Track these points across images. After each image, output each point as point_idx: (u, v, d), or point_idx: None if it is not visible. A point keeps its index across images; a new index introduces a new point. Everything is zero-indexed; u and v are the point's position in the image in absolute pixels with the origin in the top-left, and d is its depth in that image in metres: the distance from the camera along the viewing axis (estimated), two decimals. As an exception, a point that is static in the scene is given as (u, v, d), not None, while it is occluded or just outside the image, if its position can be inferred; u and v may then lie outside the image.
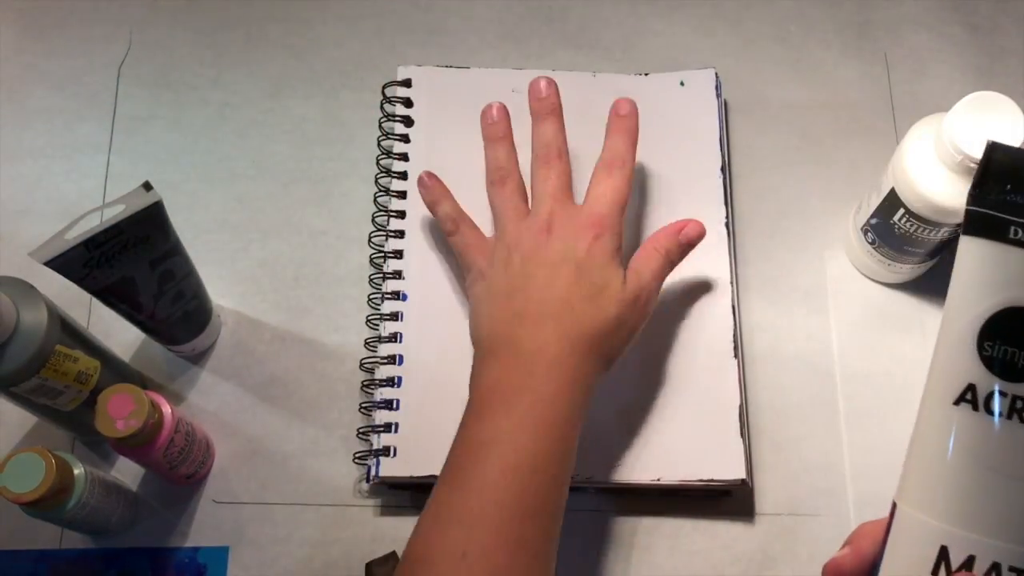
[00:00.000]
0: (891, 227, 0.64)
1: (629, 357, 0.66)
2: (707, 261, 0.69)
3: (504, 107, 0.65)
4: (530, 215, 0.61)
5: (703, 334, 0.67)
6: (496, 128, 0.65)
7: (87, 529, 0.61)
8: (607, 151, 0.63)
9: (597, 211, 0.60)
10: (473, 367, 0.58)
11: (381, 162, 0.72)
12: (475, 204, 0.70)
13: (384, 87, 0.74)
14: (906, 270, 0.68)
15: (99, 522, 0.59)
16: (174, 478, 0.62)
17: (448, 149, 0.72)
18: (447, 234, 0.64)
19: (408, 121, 0.73)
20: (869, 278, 0.71)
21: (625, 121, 0.64)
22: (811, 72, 0.77)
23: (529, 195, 0.63)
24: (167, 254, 0.59)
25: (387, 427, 0.64)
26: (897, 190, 0.62)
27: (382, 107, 0.74)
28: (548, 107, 0.64)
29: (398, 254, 0.69)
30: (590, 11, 0.79)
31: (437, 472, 0.63)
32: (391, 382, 0.65)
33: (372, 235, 0.70)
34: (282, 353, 0.68)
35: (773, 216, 0.73)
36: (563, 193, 0.61)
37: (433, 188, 0.65)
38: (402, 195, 0.70)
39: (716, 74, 0.74)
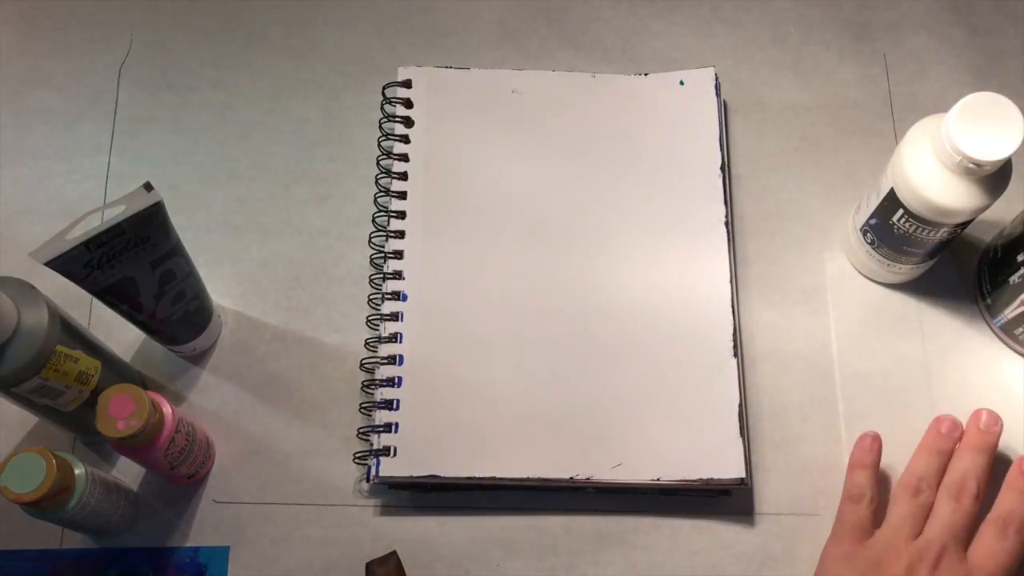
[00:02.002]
0: (890, 227, 0.64)
1: (629, 357, 0.67)
2: (707, 261, 0.69)
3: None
4: (921, 537, 0.58)
5: (703, 334, 0.67)
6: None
7: (88, 529, 0.61)
8: (1004, 508, 0.59)
9: (990, 571, 0.57)
10: None
11: (381, 163, 0.72)
12: (475, 205, 0.70)
13: (384, 88, 0.74)
14: (905, 270, 0.68)
15: (100, 522, 0.59)
16: (175, 478, 0.62)
17: (448, 149, 0.72)
18: (846, 495, 0.61)
19: (408, 122, 0.73)
20: (868, 278, 0.71)
21: None
22: (810, 73, 0.77)
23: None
24: (168, 254, 0.59)
25: (387, 427, 0.64)
26: (896, 191, 0.62)
27: (382, 108, 0.74)
28: (984, 443, 0.61)
29: (398, 254, 0.69)
30: (590, 12, 0.79)
31: (437, 472, 0.63)
32: (391, 382, 0.65)
33: (372, 235, 0.70)
34: (282, 353, 0.68)
35: (773, 216, 0.73)
36: (963, 534, 0.58)
37: (871, 451, 0.63)
38: (402, 195, 0.70)
39: (715, 73, 0.74)
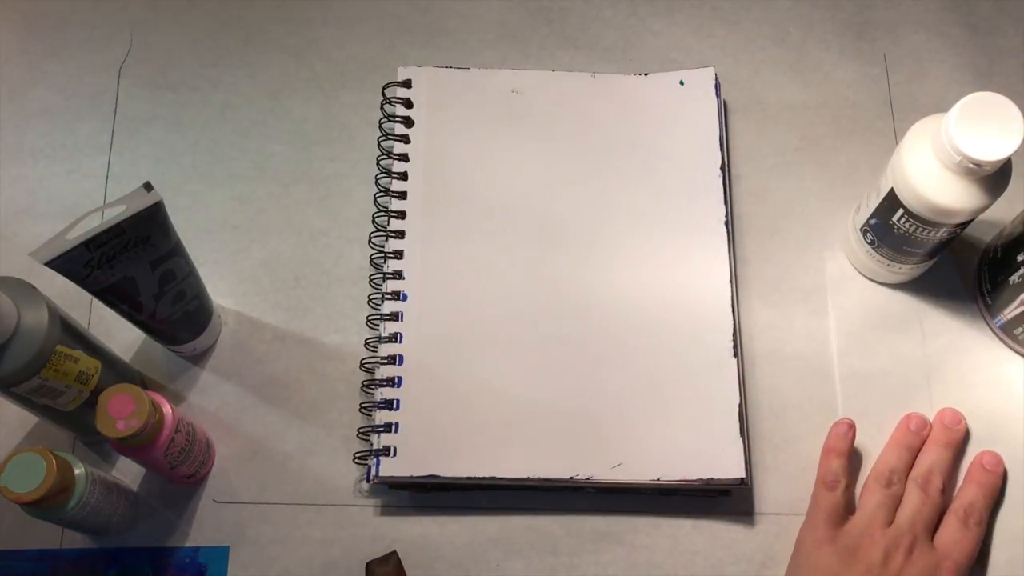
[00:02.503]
0: (890, 227, 0.64)
1: (629, 357, 0.67)
2: (707, 261, 0.69)
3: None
4: (893, 525, 0.61)
5: (703, 334, 0.67)
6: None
7: (87, 529, 0.61)
8: (966, 499, 0.63)
9: (955, 559, 0.60)
10: None
11: (381, 162, 0.72)
12: (475, 205, 0.70)
13: (384, 88, 0.74)
14: (905, 270, 0.68)
15: (99, 522, 0.59)
16: (175, 478, 0.62)
17: (448, 149, 0.72)
18: (821, 482, 0.63)
19: (408, 122, 0.73)
20: (868, 278, 0.71)
21: (990, 477, 0.64)
22: (810, 73, 0.77)
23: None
24: (168, 254, 0.59)
25: (387, 427, 0.64)
26: (896, 191, 0.62)
27: (382, 108, 0.74)
28: (949, 439, 0.65)
29: (398, 254, 0.69)
30: (590, 11, 0.79)
31: (437, 472, 0.63)
32: (391, 382, 0.65)
33: (372, 235, 0.70)
34: (282, 353, 0.68)
35: (773, 216, 0.73)
36: (931, 524, 0.62)
37: (845, 439, 0.65)
38: (402, 195, 0.71)
39: (715, 73, 0.74)
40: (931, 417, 0.66)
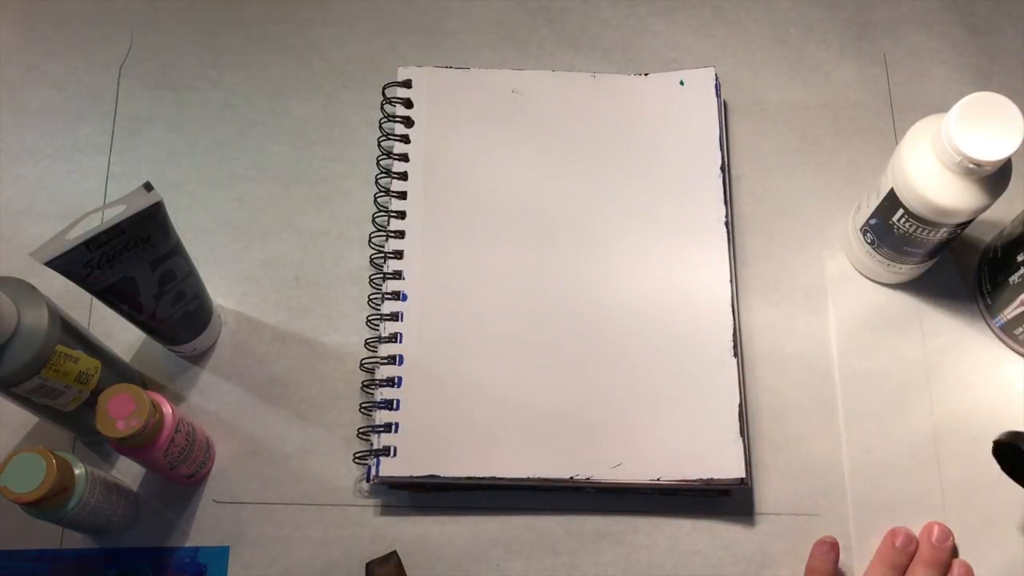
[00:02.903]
0: (890, 227, 0.64)
1: (629, 357, 0.67)
2: (707, 261, 0.69)
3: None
4: None
5: (703, 334, 0.67)
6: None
7: (87, 529, 0.61)
8: None
9: None
10: None
11: (381, 162, 0.72)
12: (475, 205, 0.70)
13: (384, 88, 0.74)
14: (905, 270, 0.68)
15: (99, 522, 0.59)
16: (175, 478, 0.62)
17: (448, 149, 0.72)
18: None
19: (408, 122, 0.73)
20: (868, 278, 0.71)
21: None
22: (810, 73, 0.77)
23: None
24: (168, 254, 0.59)
25: (387, 427, 0.64)
26: (896, 191, 0.62)
27: (382, 108, 0.74)
28: (937, 559, 0.62)
29: (398, 254, 0.69)
30: (590, 12, 0.79)
31: (437, 472, 0.63)
32: (391, 382, 0.65)
33: (372, 235, 0.70)
34: (282, 353, 0.68)
35: (773, 216, 0.73)
36: None
37: (828, 559, 0.62)
38: (402, 195, 0.71)
39: (715, 73, 0.74)
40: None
